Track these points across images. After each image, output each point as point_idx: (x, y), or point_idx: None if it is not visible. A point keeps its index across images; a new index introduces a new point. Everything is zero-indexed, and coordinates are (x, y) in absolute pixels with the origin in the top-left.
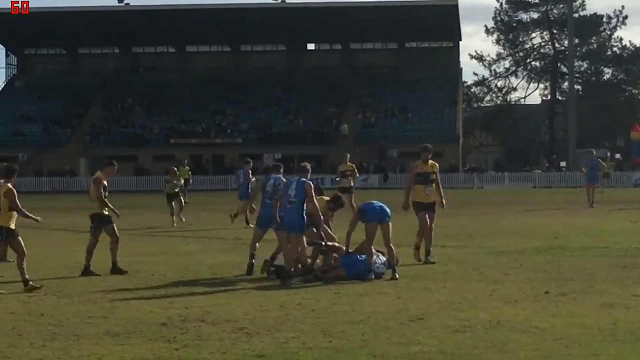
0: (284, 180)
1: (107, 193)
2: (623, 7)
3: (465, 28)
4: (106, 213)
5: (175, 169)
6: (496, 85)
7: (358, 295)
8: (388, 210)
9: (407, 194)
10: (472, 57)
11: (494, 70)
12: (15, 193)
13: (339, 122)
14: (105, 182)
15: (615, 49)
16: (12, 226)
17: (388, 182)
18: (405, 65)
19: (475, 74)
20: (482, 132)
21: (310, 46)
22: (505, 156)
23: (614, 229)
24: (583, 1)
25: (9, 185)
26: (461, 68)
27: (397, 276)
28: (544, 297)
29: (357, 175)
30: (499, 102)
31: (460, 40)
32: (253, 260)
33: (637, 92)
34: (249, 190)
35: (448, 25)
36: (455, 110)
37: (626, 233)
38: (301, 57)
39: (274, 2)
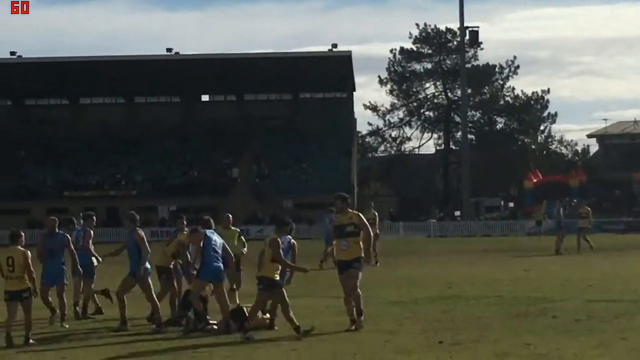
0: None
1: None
2: (515, 57)
3: (359, 79)
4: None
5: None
6: (390, 135)
7: (253, 347)
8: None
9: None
10: (366, 107)
11: (388, 120)
12: (280, 244)
13: (233, 173)
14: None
15: (507, 98)
16: (276, 277)
17: None
18: (299, 116)
19: (370, 124)
20: (377, 182)
21: (205, 97)
22: (399, 206)
23: (507, 278)
24: (475, 52)
25: (275, 235)
26: (355, 118)
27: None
28: (438, 347)
29: (378, 222)
30: (393, 152)
31: (355, 90)
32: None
33: (529, 141)
34: None
35: (342, 76)
36: (349, 161)
37: (519, 281)
38: (195, 109)
39: (168, 54)
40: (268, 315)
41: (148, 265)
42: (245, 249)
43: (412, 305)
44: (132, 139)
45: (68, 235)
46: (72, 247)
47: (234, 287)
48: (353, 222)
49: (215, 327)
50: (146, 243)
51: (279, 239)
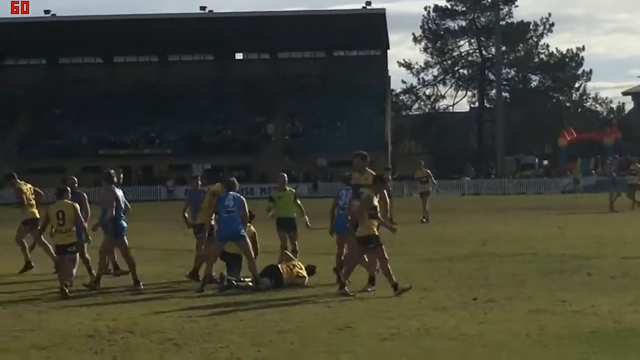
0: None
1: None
2: (550, 14)
3: (392, 36)
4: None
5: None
6: (424, 93)
7: (287, 304)
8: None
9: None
10: (400, 65)
11: (422, 78)
12: (373, 201)
13: (267, 131)
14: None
15: (542, 56)
16: (377, 232)
17: (318, 190)
18: (333, 74)
19: (404, 82)
20: (411, 140)
21: (238, 56)
22: (434, 164)
23: (541, 235)
24: (510, 9)
25: (370, 192)
26: (389, 76)
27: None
28: (473, 304)
29: (434, 180)
30: (427, 110)
31: (388, 48)
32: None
33: (564, 98)
34: None
35: (376, 34)
36: (384, 119)
37: (554, 239)
38: (229, 67)
39: (202, 12)
40: (304, 273)
41: (125, 224)
42: (306, 218)
43: (447, 262)
44: (166, 98)
45: (84, 194)
46: (88, 205)
47: (296, 247)
48: (368, 183)
49: (250, 284)
50: (114, 205)
51: (373, 196)
